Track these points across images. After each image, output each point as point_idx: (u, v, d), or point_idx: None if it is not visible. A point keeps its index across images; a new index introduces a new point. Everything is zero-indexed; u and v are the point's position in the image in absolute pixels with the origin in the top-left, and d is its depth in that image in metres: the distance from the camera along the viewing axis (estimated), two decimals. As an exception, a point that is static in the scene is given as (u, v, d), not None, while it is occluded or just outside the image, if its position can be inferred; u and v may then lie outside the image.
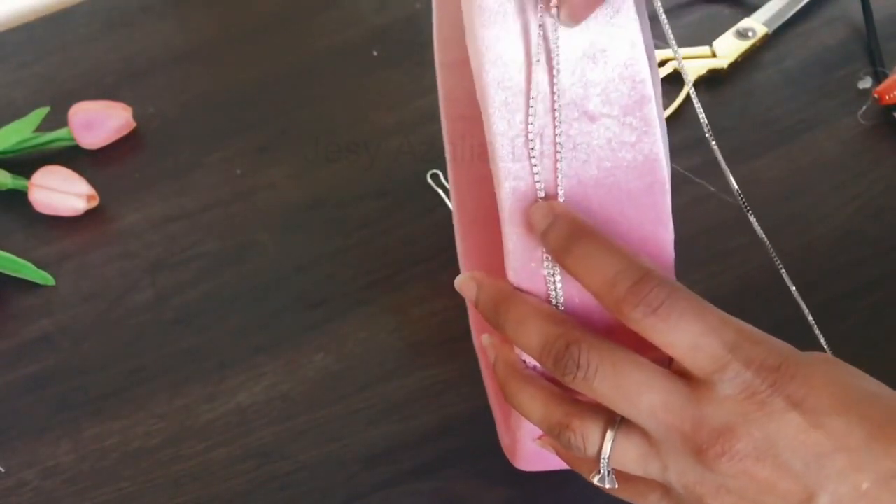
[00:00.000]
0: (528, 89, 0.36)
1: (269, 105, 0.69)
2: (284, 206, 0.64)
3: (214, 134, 0.68)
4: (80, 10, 0.77)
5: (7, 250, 0.62)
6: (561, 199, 0.37)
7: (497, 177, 0.37)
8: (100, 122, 0.66)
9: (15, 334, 0.59)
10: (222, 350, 0.57)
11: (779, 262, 0.42)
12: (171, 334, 0.58)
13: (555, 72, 0.36)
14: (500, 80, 0.36)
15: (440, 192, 0.62)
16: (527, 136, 0.36)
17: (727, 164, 0.40)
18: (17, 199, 0.65)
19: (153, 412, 0.55)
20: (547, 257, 0.37)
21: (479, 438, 0.52)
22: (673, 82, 0.65)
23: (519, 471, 0.49)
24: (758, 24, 0.68)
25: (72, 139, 0.67)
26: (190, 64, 0.72)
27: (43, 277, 0.61)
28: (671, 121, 0.63)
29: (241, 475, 0.53)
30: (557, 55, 0.36)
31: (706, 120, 0.39)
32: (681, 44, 0.67)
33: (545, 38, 0.36)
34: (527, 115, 0.36)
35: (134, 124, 0.68)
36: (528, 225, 0.37)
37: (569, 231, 0.36)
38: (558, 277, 0.37)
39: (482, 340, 0.42)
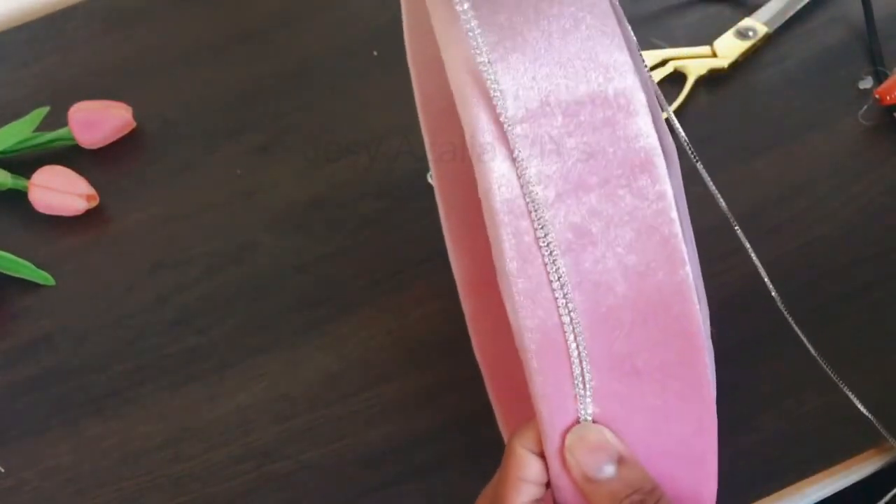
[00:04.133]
0: (536, 234, 0.31)
1: (269, 105, 0.69)
2: (284, 206, 0.64)
3: (214, 134, 0.68)
4: (80, 10, 0.77)
5: (7, 250, 0.62)
6: (580, 337, 0.32)
7: (517, 328, 0.32)
8: (100, 121, 0.66)
9: (15, 334, 0.59)
10: (222, 350, 0.57)
11: (765, 272, 0.42)
12: (171, 334, 0.58)
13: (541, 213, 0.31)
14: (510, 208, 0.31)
15: (440, 192, 0.62)
16: (550, 283, 0.31)
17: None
18: (17, 199, 0.65)
19: (153, 412, 0.55)
20: (579, 388, 0.33)
21: (479, 438, 0.52)
22: (674, 81, 0.65)
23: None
24: (758, 23, 0.67)
25: (72, 139, 0.67)
26: (190, 64, 0.72)
27: (43, 277, 0.61)
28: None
29: (241, 475, 0.53)
30: (535, 202, 0.31)
31: (691, 145, 0.37)
32: (681, 43, 0.68)
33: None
34: (542, 256, 0.31)
35: (134, 124, 0.68)
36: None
37: None
38: (590, 409, 0.33)
39: None
